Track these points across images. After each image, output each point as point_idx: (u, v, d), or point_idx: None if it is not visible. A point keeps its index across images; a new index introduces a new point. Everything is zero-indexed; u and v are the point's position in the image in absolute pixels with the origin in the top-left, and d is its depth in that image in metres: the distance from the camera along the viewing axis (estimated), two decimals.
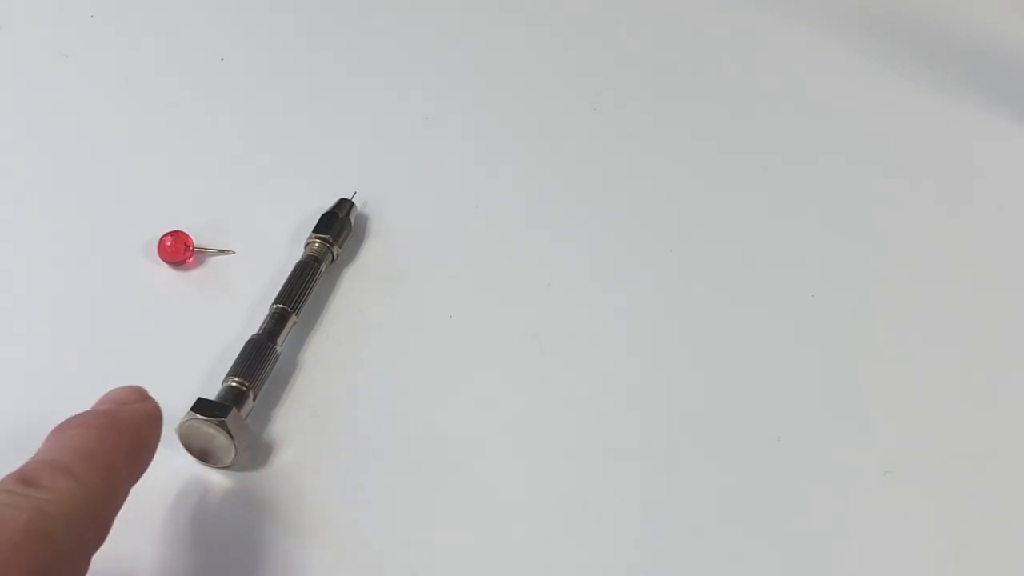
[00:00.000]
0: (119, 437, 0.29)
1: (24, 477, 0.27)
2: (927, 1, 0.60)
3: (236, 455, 0.36)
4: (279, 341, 0.39)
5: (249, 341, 0.38)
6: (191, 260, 0.43)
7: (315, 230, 0.43)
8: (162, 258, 0.43)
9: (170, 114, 0.50)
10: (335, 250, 0.43)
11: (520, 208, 0.47)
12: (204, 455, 0.36)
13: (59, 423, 0.30)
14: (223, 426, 0.35)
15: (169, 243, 0.42)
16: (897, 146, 0.52)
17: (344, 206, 0.44)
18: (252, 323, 0.40)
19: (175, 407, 0.36)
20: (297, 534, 0.35)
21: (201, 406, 0.35)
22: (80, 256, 0.43)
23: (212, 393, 0.37)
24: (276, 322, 0.39)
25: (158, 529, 0.35)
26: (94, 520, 0.27)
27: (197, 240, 0.43)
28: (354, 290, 0.43)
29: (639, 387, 0.40)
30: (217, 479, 0.36)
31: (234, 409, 0.36)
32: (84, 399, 0.38)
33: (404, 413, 0.39)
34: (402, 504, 0.36)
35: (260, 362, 0.38)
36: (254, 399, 0.37)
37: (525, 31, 0.57)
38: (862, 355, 0.42)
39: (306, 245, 0.43)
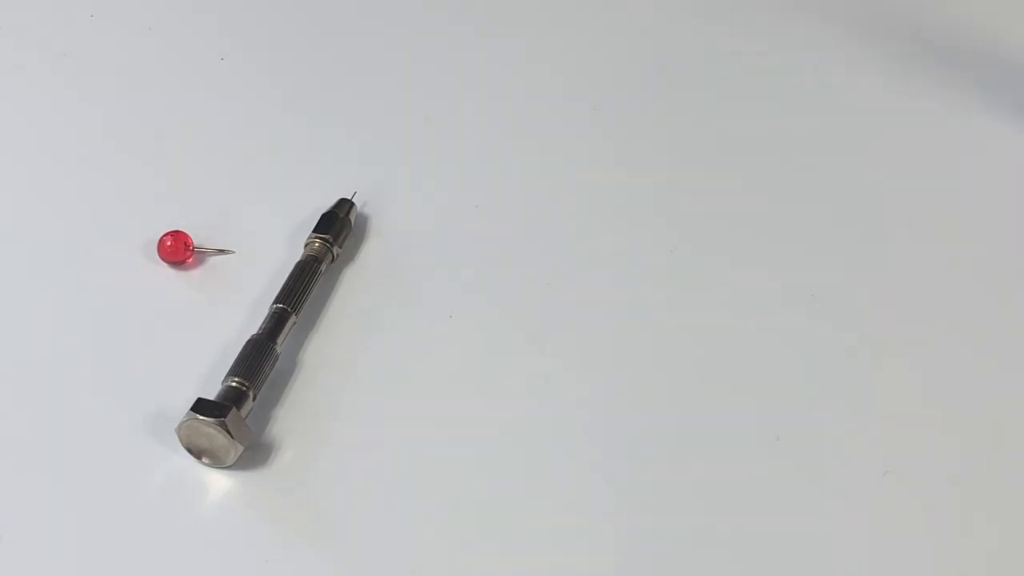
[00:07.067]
0: None
1: None
2: (927, 3, 0.60)
3: (236, 455, 0.36)
4: (279, 341, 0.39)
5: (249, 341, 0.38)
6: (191, 260, 0.43)
7: (315, 230, 0.43)
8: (162, 258, 0.43)
9: (170, 114, 0.50)
10: (335, 250, 0.43)
11: (520, 208, 0.47)
12: (204, 455, 0.36)
13: None
14: (223, 426, 0.35)
15: (169, 243, 0.42)
16: (899, 147, 0.51)
17: (344, 206, 0.44)
18: (252, 323, 0.40)
19: (175, 407, 0.36)
20: (297, 534, 0.35)
21: (201, 406, 0.35)
22: (80, 256, 0.43)
23: (212, 393, 0.37)
24: (276, 322, 0.39)
25: (158, 529, 0.35)
26: None
27: (197, 240, 0.43)
28: (354, 290, 0.43)
29: (639, 387, 0.40)
30: (217, 479, 0.36)
31: (234, 409, 0.36)
32: (84, 399, 0.38)
33: (404, 413, 0.39)
34: (402, 503, 0.36)
35: (260, 362, 0.38)
36: (254, 399, 0.37)
37: (525, 31, 0.57)
38: (862, 355, 0.42)
39: (306, 245, 0.43)
